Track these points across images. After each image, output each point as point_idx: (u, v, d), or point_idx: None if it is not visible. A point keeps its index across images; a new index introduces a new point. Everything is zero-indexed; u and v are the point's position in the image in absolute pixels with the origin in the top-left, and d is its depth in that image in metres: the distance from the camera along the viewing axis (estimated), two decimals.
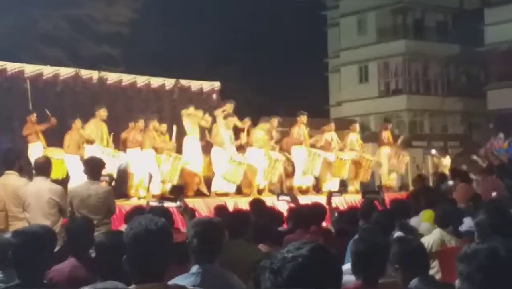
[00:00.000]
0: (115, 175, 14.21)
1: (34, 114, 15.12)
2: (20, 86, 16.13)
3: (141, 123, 15.35)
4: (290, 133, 17.64)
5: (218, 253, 4.47)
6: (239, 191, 16.74)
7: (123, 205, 13.03)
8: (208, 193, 15.92)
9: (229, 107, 16.25)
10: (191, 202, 12.93)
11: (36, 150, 14.53)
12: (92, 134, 14.89)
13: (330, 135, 18.37)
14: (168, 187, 15.60)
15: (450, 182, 17.16)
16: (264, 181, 16.61)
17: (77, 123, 15.09)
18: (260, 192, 16.48)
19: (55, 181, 13.31)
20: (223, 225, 4.67)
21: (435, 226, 7.82)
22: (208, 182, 16.30)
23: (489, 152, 25.10)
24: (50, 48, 31.67)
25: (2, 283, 4.59)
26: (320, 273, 2.35)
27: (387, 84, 45.51)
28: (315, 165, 17.29)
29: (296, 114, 17.79)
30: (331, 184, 17.93)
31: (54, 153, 14.97)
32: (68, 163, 14.39)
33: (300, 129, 17.40)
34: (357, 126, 19.74)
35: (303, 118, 17.41)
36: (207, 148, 16.42)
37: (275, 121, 16.84)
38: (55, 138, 15.32)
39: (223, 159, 15.68)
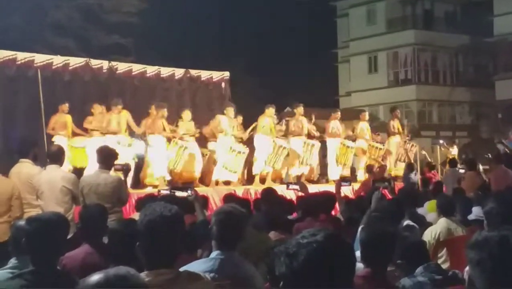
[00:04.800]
0: (132, 165, 14.21)
1: (67, 104, 15.31)
2: (30, 75, 16.14)
3: (152, 110, 15.48)
4: (288, 125, 17.64)
5: (237, 242, 4.52)
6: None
7: (142, 193, 12.92)
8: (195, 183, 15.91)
9: (230, 110, 16.28)
10: (203, 190, 12.98)
11: (60, 139, 14.66)
12: (112, 125, 14.96)
13: (336, 123, 18.34)
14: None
15: (413, 175, 17.43)
16: (268, 167, 16.66)
17: (96, 108, 15.32)
18: (262, 180, 16.58)
19: (78, 170, 13.51)
20: (245, 215, 4.71)
21: (441, 216, 7.84)
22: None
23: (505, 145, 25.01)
24: (61, 38, 31.72)
25: (17, 269, 4.62)
26: (335, 260, 2.40)
27: (396, 74, 45.49)
28: (312, 156, 17.35)
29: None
30: (336, 171, 17.97)
31: (76, 142, 15.10)
32: (90, 148, 14.41)
33: (298, 121, 17.40)
34: (366, 115, 19.73)
35: (300, 109, 17.42)
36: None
37: (272, 110, 16.84)
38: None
39: (225, 148, 15.82)
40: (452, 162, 17.34)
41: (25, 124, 15.77)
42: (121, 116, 15.06)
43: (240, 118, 17.27)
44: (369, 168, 17.14)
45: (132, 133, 15.38)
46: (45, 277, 4.23)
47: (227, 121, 16.02)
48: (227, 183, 16.14)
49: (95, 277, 2.38)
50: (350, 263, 2.50)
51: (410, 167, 18.44)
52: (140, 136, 15.48)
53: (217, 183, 16.06)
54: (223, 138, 15.97)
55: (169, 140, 15.49)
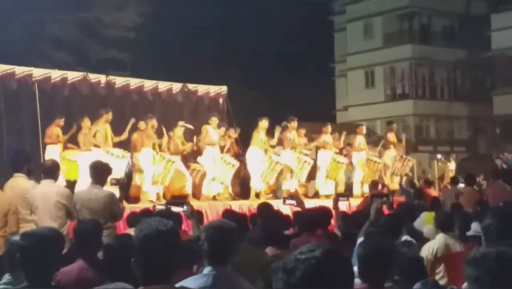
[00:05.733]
0: (124, 178, 14.17)
1: (63, 120, 15.29)
2: (28, 89, 16.13)
3: (141, 124, 15.52)
4: (283, 138, 17.60)
5: (229, 257, 4.50)
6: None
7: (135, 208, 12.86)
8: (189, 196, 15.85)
9: (214, 121, 16.34)
10: (197, 205, 12.94)
11: (53, 152, 14.62)
12: (98, 137, 14.94)
13: (327, 136, 18.32)
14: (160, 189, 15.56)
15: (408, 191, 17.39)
16: (262, 184, 16.67)
17: (86, 122, 15.28)
18: (257, 195, 16.58)
19: (70, 182, 13.46)
20: (235, 229, 4.68)
21: (439, 231, 7.83)
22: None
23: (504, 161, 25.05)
24: (58, 52, 31.78)
25: (11, 285, 4.59)
26: (333, 275, 2.39)
27: (393, 89, 45.47)
28: (303, 172, 17.37)
29: (299, 120, 17.82)
30: (327, 187, 17.93)
31: (70, 155, 15.06)
32: (82, 162, 14.36)
33: (291, 134, 17.41)
34: (363, 129, 19.69)
35: (294, 124, 17.42)
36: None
37: (265, 122, 16.85)
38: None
39: (213, 160, 15.83)
40: (454, 180, 17.27)
41: (24, 138, 15.74)
42: (107, 127, 15.06)
43: (228, 130, 17.28)
44: (373, 184, 17.01)
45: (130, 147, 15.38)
46: None
47: (214, 132, 16.09)
48: (214, 197, 16.08)
49: None
50: (348, 279, 2.49)
51: (412, 184, 18.39)
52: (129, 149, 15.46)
53: (207, 197, 16.01)
54: (211, 150, 16.01)
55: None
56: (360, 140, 19.17)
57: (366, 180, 18.54)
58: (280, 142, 17.59)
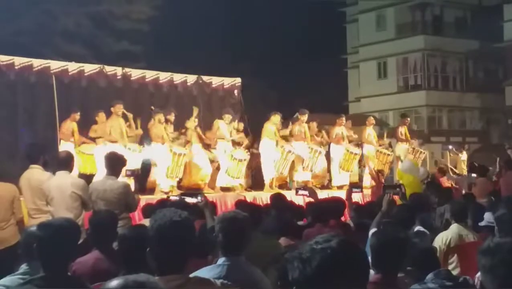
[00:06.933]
0: (139, 169, 14.20)
1: (78, 113, 15.34)
2: (45, 82, 16.15)
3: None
4: (291, 131, 17.59)
5: (244, 247, 4.53)
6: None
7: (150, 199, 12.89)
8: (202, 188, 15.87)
9: (227, 117, 16.39)
10: (211, 196, 12.97)
11: (68, 146, 14.66)
12: (113, 133, 14.96)
13: (340, 129, 18.29)
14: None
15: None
16: (274, 172, 16.69)
17: (101, 116, 15.32)
18: (271, 186, 16.60)
19: (86, 176, 13.51)
20: (248, 220, 4.71)
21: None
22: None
23: None
24: (70, 45, 31.79)
25: (27, 275, 4.62)
26: (349, 265, 2.40)
27: (406, 80, 45.36)
28: (316, 162, 17.35)
29: (311, 111, 17.80)
30: (341, 178, 17.91)
31: (85, 148, 15.10)
32: (99, 155, 14.40)
33: (301, 126, 17.40)
34: (372, 120, 19.63)
35: (303, 117, 17.41)
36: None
37: (277, 117, 16.86)
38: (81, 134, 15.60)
39: (225, 154, 15.93)
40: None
41: (42, 131, 15.76)
42: (121, 121, 15.07)
43: (238, 124, 17.30)
44: (379, 172, 17.02)
45: (141, 140, 15.39)
46: (56, 283, 4.20)
47: (226, 127, 16.14)
48: (227, 189, 16.11)
49: (114, 283, 2.37)
50: (364, 270, 2.51)
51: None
52: (148, 142, 15.47)
53: (220, 189, 16.05)
54: (223, 144, 16.08)
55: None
56: (369, 131, 19.13)
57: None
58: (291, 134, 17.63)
